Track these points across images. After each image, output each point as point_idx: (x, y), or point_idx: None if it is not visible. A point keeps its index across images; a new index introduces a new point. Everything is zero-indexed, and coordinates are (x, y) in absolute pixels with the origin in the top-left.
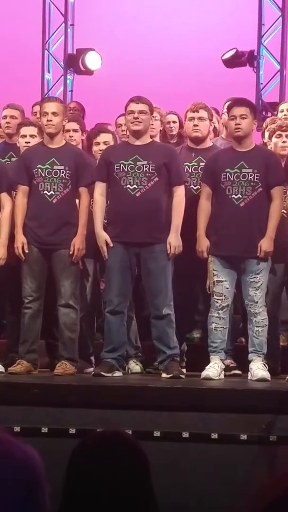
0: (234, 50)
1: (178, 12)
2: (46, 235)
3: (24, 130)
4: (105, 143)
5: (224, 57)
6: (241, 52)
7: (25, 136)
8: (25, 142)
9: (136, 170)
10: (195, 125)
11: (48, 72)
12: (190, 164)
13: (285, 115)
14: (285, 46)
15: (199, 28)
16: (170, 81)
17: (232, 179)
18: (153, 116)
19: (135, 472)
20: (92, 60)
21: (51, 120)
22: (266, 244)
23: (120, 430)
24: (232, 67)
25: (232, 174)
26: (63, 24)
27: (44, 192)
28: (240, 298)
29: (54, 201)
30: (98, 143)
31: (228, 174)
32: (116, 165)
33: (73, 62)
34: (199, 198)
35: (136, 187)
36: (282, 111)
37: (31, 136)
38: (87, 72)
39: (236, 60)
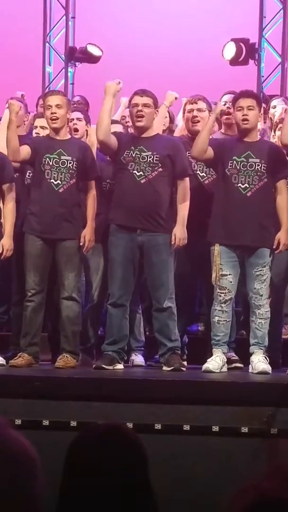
0: (233, 44)
1: (179, 4)
2: (50, 225)
3: (38, 122)
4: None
5: (226, 57)
6: (239, 45)
7: (36, 127)
8: (35, 133)
9: (141, 160)
10: (194, 117)
11: (49, 65)
12: None
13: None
14: (286, 38)
15: (200, 21)
16: (170, 73)
17: (238, 167)
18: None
19: (133, 466)
20: (95, 48)
21: (55, 113)
22: (285, 237)
23: (118, 423)
24: (236, 65)
25: (239, 162)
26: (64, 17)
27: (51, 180)
28: (240, 291)
29: (60, 191)
30: None
31: (235, 162)
32: (126, 151)
33: (76, 51)
34: (205, 186)
35: (142, 174)
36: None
37: (42, 127)
38: (91, 59)
39: (239, 59)
